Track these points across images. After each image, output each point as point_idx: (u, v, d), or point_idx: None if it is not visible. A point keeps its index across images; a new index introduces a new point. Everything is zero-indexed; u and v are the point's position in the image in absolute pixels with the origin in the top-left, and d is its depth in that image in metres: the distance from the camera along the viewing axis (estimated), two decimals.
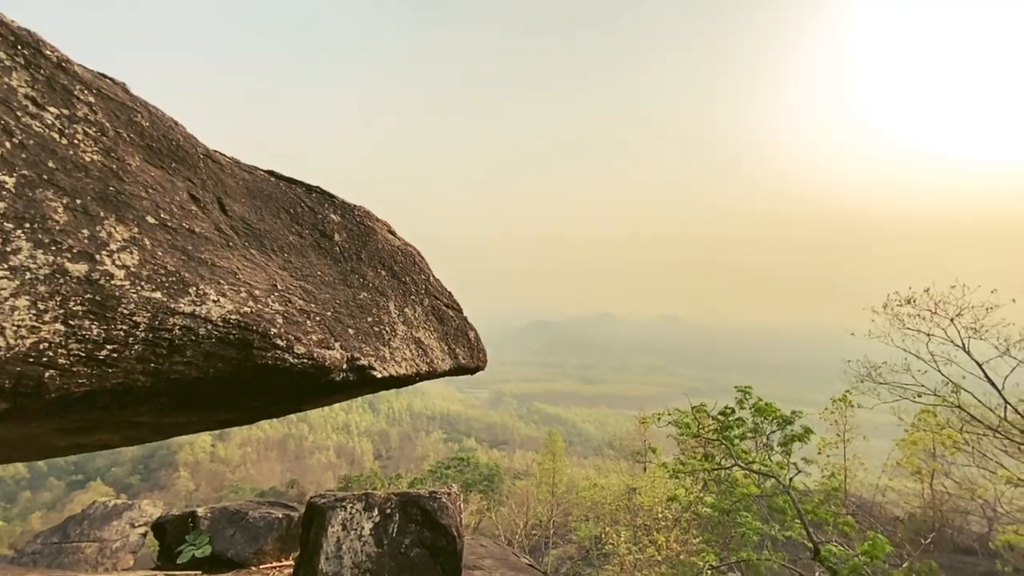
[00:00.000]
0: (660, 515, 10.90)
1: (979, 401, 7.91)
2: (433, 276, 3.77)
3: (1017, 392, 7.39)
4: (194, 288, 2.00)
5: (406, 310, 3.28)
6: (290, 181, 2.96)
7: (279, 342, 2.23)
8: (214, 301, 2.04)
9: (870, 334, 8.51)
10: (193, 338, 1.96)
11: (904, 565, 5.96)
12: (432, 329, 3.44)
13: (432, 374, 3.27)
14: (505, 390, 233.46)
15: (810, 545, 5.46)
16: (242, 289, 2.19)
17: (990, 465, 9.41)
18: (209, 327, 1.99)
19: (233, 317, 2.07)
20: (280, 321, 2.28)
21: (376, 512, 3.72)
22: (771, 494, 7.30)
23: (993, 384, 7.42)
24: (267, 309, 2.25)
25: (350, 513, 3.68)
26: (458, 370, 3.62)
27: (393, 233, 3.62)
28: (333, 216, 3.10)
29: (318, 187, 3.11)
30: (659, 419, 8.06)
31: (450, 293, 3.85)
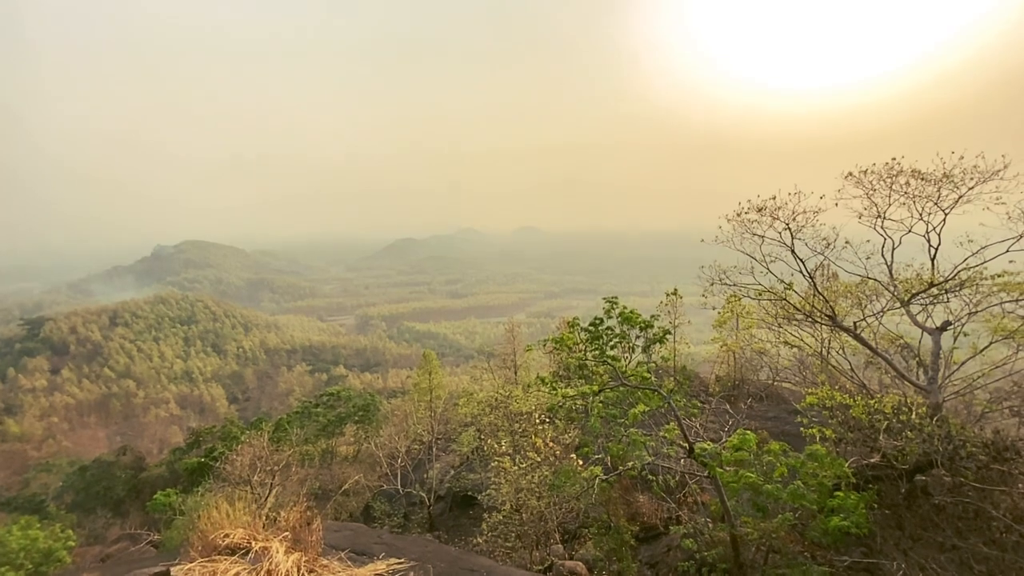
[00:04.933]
0: (537, 420, 11.56)
1: (796, 292, 9.55)
2: None
3: (835, 285, 8.99)
4: None
5: None
6: None
7: None
8: None
9: (717, 240, 9.45)
10: None
11: (737, 429, 7.25)
12: None
13: None
14: (372, 313, 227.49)
15: (685, 445, 6.08)
16: None
17: (788, 337, 11.80)
18: None
19: None
20: None
21: None
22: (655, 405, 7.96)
23: (807, 275, 8.96)
24: None
25: None
26: None
27: None
28: None
29: None
30: (544, 344, 8.05)
31: None
